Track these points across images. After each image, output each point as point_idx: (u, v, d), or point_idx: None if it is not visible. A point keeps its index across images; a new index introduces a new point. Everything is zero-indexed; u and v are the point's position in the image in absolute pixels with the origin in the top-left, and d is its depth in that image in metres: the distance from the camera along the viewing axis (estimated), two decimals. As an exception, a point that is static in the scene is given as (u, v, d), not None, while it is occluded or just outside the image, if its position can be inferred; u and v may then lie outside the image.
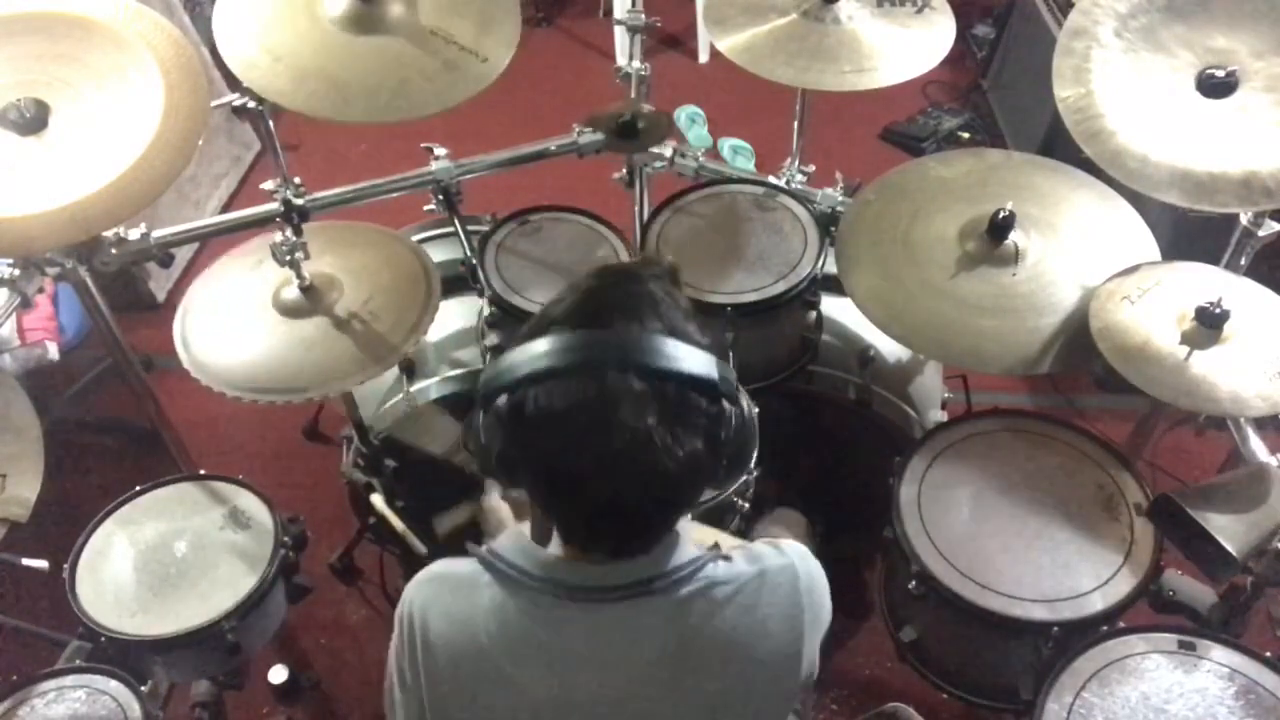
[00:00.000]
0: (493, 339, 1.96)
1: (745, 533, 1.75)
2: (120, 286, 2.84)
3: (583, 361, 0.89)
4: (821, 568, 1.09)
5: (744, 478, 1.70)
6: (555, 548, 1.02)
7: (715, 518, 1.70)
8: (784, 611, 1.01)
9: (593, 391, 0.88)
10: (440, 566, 1.07)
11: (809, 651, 1.04)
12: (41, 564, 1.74)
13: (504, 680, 1.00)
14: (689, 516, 1.06)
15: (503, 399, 0.92)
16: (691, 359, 0.91)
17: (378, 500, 1.89)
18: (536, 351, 0.91)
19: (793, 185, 2.13)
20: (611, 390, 0.88)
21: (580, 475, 0.91)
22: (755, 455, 1.68)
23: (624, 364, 0.89)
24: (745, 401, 0.97)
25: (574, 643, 0.99)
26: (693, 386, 0.91)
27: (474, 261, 1.98)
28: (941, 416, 2.04)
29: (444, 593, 1.04)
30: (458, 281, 2.01)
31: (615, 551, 0.98)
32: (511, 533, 1.05)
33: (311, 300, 1.76)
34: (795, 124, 2.15)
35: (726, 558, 1.02)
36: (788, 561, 1.04)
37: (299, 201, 1.95)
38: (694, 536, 1.05)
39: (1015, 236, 1.72)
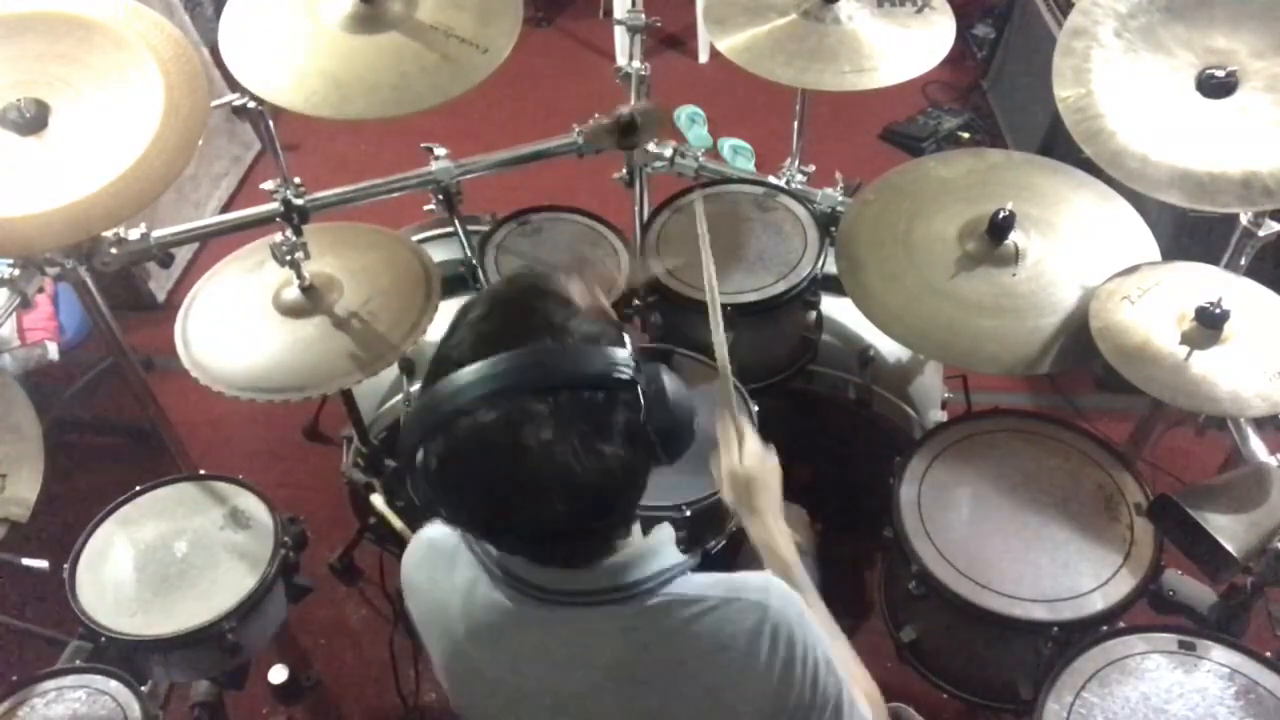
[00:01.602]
0: (493, 339, 1.96)
1: (744, 531, 1.74)
2: (120, 286, 2.84)
3: (476, 396, 0.87)
4: (805, 612, 1.02)
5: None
6: None
7: (714, 519, 1.70)
8: (742, 647, 0.97)
9: (491, 423, 0.86)
10: (434, 531, 1.09)
11: (773, 693, 0.98)
12: (41, 564, 1.74)
13: (463, 656, 1.05)
14: (669, 527, 1.04)
15: (419, 454, 0.90)
16: (583, 358, 0.89)
17: (378, 500, 1.89)
18: (436, 397, 0.89)
19: (793, 185, 2.13)
20: (510, 417, 0.86)
21: (500, 508, 0.90)
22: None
23: (517, 386, 0.87)
24: (665, 377, 0.94)
25: (529, 638, 1.00)
26: (586, 387, 0.88)
27: (474, 261, 1.98)
28: (941, 416, 2.04)
29: (429, 559, 1.08)
30: (458, 281, 2.01)
31: (566, 563, 0.97)
32: None
33: (311, 300, 1.76)
34: (795, 124, 2.15)
35: (700, 572, 1.01)
36: (759, 600, 0.99)
37: (299, 201, 1.95)
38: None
39: (1015, 236, 1.72)
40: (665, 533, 1.03)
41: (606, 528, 0.97)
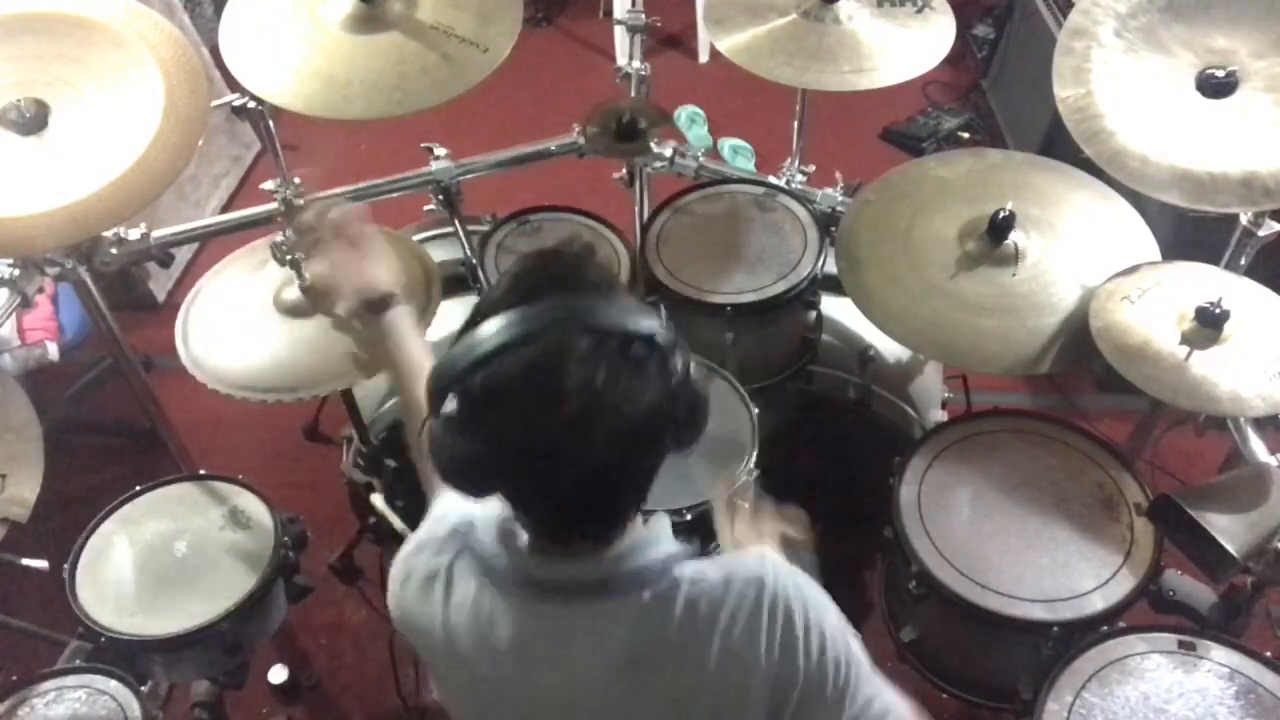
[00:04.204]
0: (493, 339, 1.96)
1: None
2: (120, 286, 2.84)
3: (524, 333, 0.89)
4: (807, 583, 1.03)
5: (744, 476, 1.70)
6: (532, 538, 1.02)
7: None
8: (746, 623, 0.98)
9: (538, 356, 0.88)
10: (424, 533, 1.09)
11: (777, 666, 0.98)
12: (41, 564, 1.74)
13: (472, 669, 1.03)
14: (666, 518, 1.05)
15: (452, 394, 0.91)
16: (628, 314, 0.91)
17: (378, 500, 1.89)
18: (478, 338, 0.90)
19: (793, 185, 2.13)
20: (557, 352, 0.88)
21: (542, 449, 0.90)
22: (753, 458, 1.70)
23: (565, 326, 0.89)
24: (690, 360, 0.96)
25: (534, 639, 1.00)
26: (635, 338, 0.90)
27: (474, 261, 1.98)
28: (941, 416, 2.04)
29: (418, 581, 1.06)
30: (458, 281, 2.01)
31: (585, 533, 0.97)
32: (492, 520, 1.04)
33: (312, 300, 1.76)
34: (795, 124, 2.15)
35: (696, 559, 1.01)
36: (756, 575, 0.99)
37: (299, 201, 1.95)
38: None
39: (1015, 236, 1.72)
40: (663, 523, 1.04)
41: (634, 488, 0.97)
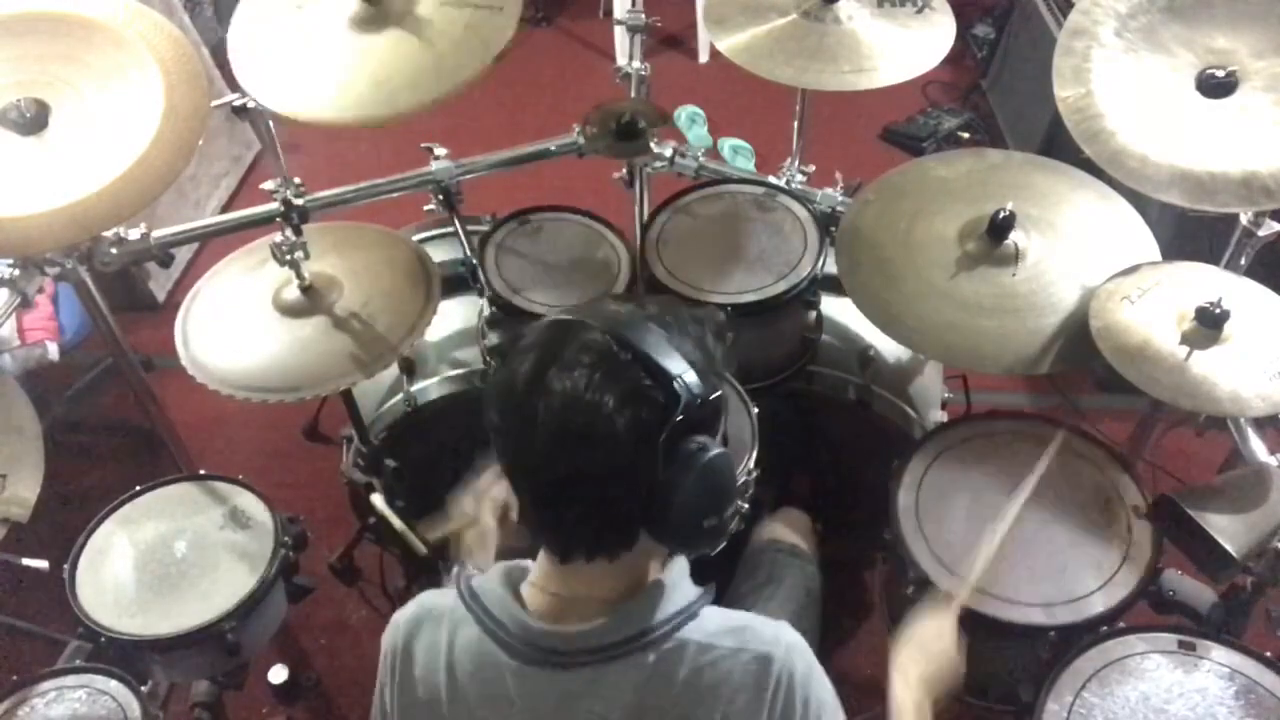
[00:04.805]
0: (493, 339, 1.96)
1: (746, 533, 1.75)
2: (120, 286, 2.84)
3: (574, 311, 0.95)
4: (813, 669, 1.02)
5: (744, 476, 1.70)
6: (535, 575, 1.02)
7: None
8: (745, 701, 0.97)
9: (558, 331, 0.92)
10: (427, 598, 1.09)
11: None
12: (41, 564, 1.74)
13: (465, 706, 1.02)
14: (684, 560, 1.04)
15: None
16: (661, 346, 0.91)
17: (378, 500, 1.89)
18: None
19: (793, 185, 2.13)
20: (560, 334, 0.92)
21: (518, 399, 0.92)
22: (753, 458, 1.70)
23: (593, 318, 0.92)
24: (717, 457, 0.92)
25: (540, 703, 1.00)
26: (644, 365, 0.89)
27: (474, 261, 1.98)
28: (941, 417, 2.04)
29: (427, 626, 1.06)
30: (458, 281, 2.01)
31: (572, 538, 0.97)
32: (496, 573, 1.05)
33: (311, 300, 1.76)
34: (795, 124, 2.15)
35: (711, 612, 1.01)
36: (765, 653, 0.99)
37: (299, 201, 1.95)
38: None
39: (1015, 236, 1.72)
40: (681, 566, 1.04)
41: (594, 509, 0.95)
